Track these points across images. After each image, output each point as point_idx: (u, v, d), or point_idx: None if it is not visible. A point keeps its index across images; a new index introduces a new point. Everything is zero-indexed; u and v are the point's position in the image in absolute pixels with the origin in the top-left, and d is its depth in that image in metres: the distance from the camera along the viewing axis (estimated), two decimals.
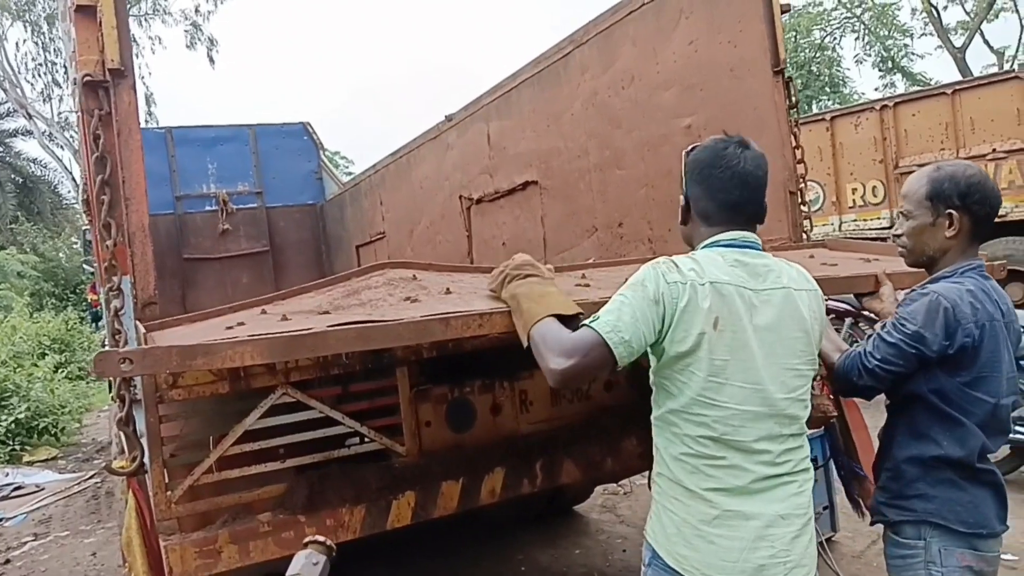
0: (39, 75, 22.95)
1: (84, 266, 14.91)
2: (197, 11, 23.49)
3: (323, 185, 9.63)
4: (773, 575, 1.68)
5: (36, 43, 22.65)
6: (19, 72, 22.56)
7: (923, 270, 2.09)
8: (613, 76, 4.37)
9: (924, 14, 23.73)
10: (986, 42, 23.72)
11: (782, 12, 3.35)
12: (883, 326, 1.99)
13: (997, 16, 23.43)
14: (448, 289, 2.26)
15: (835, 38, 25.80)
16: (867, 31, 25.02)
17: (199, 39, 23.25)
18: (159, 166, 8.81)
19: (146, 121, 22.68)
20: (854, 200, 9.78)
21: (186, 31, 23.57)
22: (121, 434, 2.20)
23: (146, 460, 2.20)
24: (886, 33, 24.92)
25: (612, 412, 3.11)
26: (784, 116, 3.37)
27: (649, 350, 1.73)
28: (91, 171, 2.22)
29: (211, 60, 23.49)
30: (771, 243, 3.41)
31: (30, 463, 9.28)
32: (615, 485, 5.58)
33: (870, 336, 2.01)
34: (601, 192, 4.61)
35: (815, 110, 22.07)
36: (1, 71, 23.26)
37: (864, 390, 1.99)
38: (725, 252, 1.76)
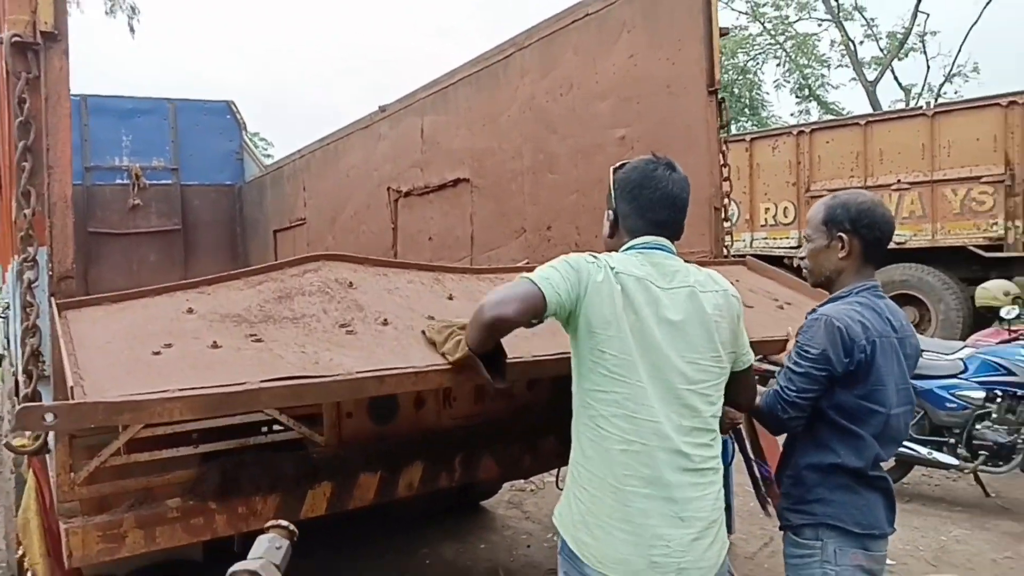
0: None
1: None
2: None
3: (243, 166, 9.36)
4: (666, 573, 1.74)
5: None
6: None
7: (825, 291, 2.25)
8: (552, 82, 4.43)
9: (842, 46, 24.95)
10: (895, 78, 25.13)
11: (720, 35, 3.47)
12: (788, 358, 2.13)
13: (907, 55, 24.87)
14: (385, 320, 2.23)
15: (758, 63, 26.79)
16: (788, 58, 26.09)
17: (120, 6, 22.11)
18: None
19: None
20: (766, 219, 10.21)
21: None
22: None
23: (50, 439, 2.09)
24: (805, 62, 26.04)
25: (533, 410, 3.14)
26: (715, 135, 3.48)
27: (567, 323, 1.83)
28: (11, 136, 2.10)
29: (131, 29, 22.33)
30: (694, 255, 3.53)
31: None
32: (523, 481, 5.64)
33: (778, 371, 2.15)
34: (532, 195, 4.66)
35: (734, 131, 22.87)
36: None
37: (791, 422, 2.09)
38: (637, 254, 1.89)
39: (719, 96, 3.48)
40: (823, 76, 26.34)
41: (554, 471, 3.56)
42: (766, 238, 10.24)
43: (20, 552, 2.46)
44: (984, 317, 7.85)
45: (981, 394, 4.87)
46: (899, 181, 8.92)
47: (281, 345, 1.99)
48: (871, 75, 24.95)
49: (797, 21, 25.98)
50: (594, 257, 1.83)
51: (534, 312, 1.76)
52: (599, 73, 4.08)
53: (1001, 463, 4.77)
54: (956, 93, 24.18)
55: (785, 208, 10.02)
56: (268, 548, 1.32)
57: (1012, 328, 5.60)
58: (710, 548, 1.81)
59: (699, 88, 3.49)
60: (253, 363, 1.88)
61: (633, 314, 1.77)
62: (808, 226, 2.23)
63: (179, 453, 2.36)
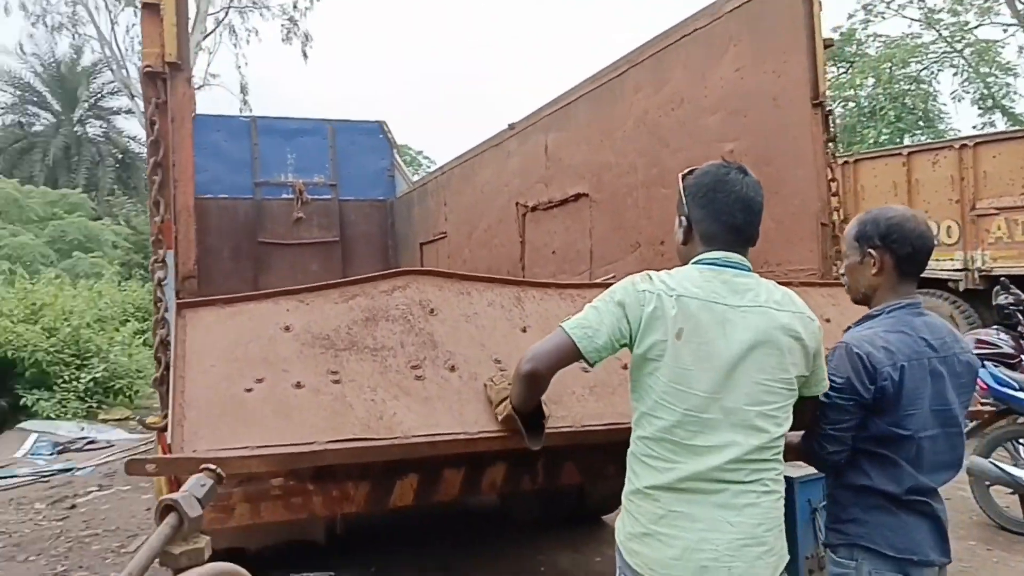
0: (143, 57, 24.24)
1: None
2: (295, 7, 24.46)
3: (394, 183, 9.98)
4: (715, 574, 1.73)
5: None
6: (126, 54, 23.91)
7: (865, 307, 2.19)
8: (664, 97, 4.47)
9: None
10: None
11: (825, 47, 3.40)
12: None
13: None
14: (453, 366, 2.41)
15: (932, 72, 24.90)
16: (967, 67, 24.07)
17: (295, 33, 24.17)
18: (242, 152, 9.32)
19: (240, 109, 23.71)
20: None
21: (283, 25, 24.53)
22: (157, 393, 2.43)
23: None
24: (987, 70, 23.91)
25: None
26: (821, 148, 3.41)
27: (628, 346, 1.87)
28: (147, 153, 2.47)
29: (304, 55, 24.43)
30: (802, 273, 3.46)
31: (104, 420, 9.92)
32: None
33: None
34: (646, 209, 4.71)
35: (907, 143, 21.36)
36: (110, 51, 24.73)
37: (833, 456, 2.04)
38: (704, 269, 1.86)
39: (825, 108, 3.40)
40: (1008, 85, 24.04)
41: None
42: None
43: None
44: None
45: None
46: None
47: (356, 388, 2.24)
48: None
49: (977, 27, 23.95)
50: (648, 279, 1.83)
51: (566, 363, 1.85)
52: (708, 87, 4.09)
53: None
54: None
55: (948, 227, 9.28)
56: (193, 485, 1.54)
57: None
58: (762, 558, 1.77)
59: (804, 101, 3.43)
60: (326, 413, 2.15)
61: (692, 341, 1.76)
62: (844, 242, 2.20)
63: None
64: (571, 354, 1.82)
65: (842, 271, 2.23)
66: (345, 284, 2.50)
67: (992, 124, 24.36)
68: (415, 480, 2.77)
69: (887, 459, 1.98)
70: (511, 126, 6.56)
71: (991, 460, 5.02)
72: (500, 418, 2.20)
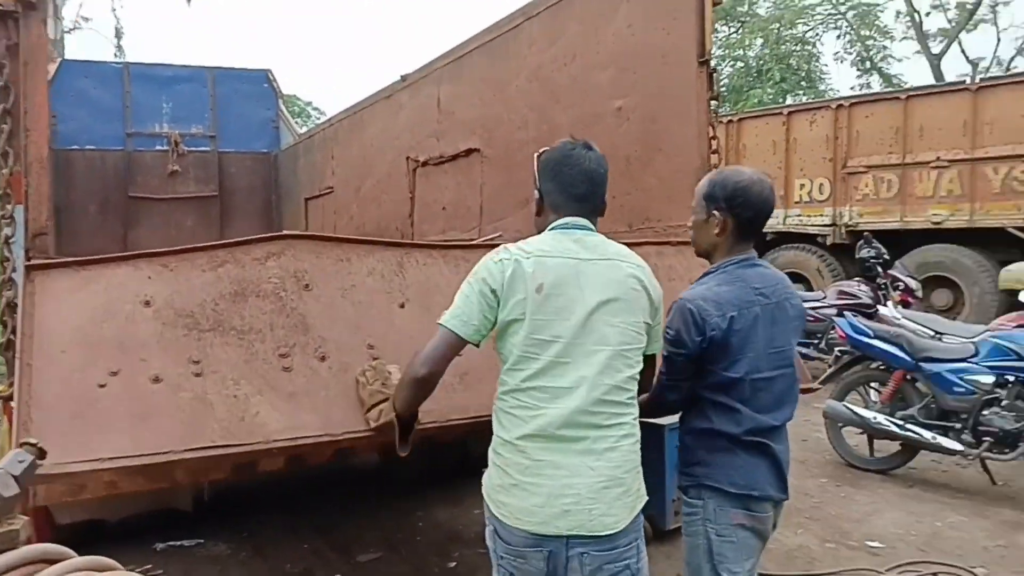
0: None
1: None
2: None
3: (279, 135, 9.55)
4: (577, 520, 1.85)
5: None
6: None
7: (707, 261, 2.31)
8: (557, 51, 4.42)
9: (907, 17, 23.96)
10: (963, 52, 24.06)
11: (714, 5, 3.42)
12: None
13: (976, 27, 23.76)
14: (323, 356, 2.33)
15: (817, 34, 25.94)
16: (850, 28, 25.18)
17: None
18: (113, 100, 8.69)
19: (114, 55, 22.03)
20: (800, 196, 9.98)
21: None
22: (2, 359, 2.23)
23: None
24: (867, 33, 25.11)
25: None
26: (705, 107, 3.46)
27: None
28: None
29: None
30: (680, 228, 3.52)
31: None
32: None
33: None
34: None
35: (790, 102, 22.27)
36: None
37: (674, 404, 2.21)
38: (556, 233, 2.02)
39: (710, 67, 3.45)
40: (885, 48, 25.36)
41: None
42: (800, 215, 10.02)
43: None
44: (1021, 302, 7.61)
45: (991, 379, 4.73)
46: (938, 158, 8.61)
47: (218, 381, 2.13)
48: (936, 48, 23.97)
49: None
50: (505, 250, 1.96)
51: (455, 353, 1.95)
52: (600, 43, 4.07)
53: (1007, 450, 4.64)
54: None
55: (820, 185, 9.75)
56: (10, 461, 1.44)
57: None
58: (620, 499, 1.90)
59: (691, 59, 3.46)
60: (184, 416, 2.04)
61: (551, 293, 1.90)
62: (694, 199, 2.27)
63: None
64: (456, 343, 1.92)
65: (689, 225, 2.31)
66: (214, 248, 2.36)
67: (868, 86, 25.68)
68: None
69: (726, 404, 2.11)
70: (403, 78, 6.36)
71: (844, 403, 5.38)
72: (373, 423, 2.18)
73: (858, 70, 26.00)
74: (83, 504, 3.52)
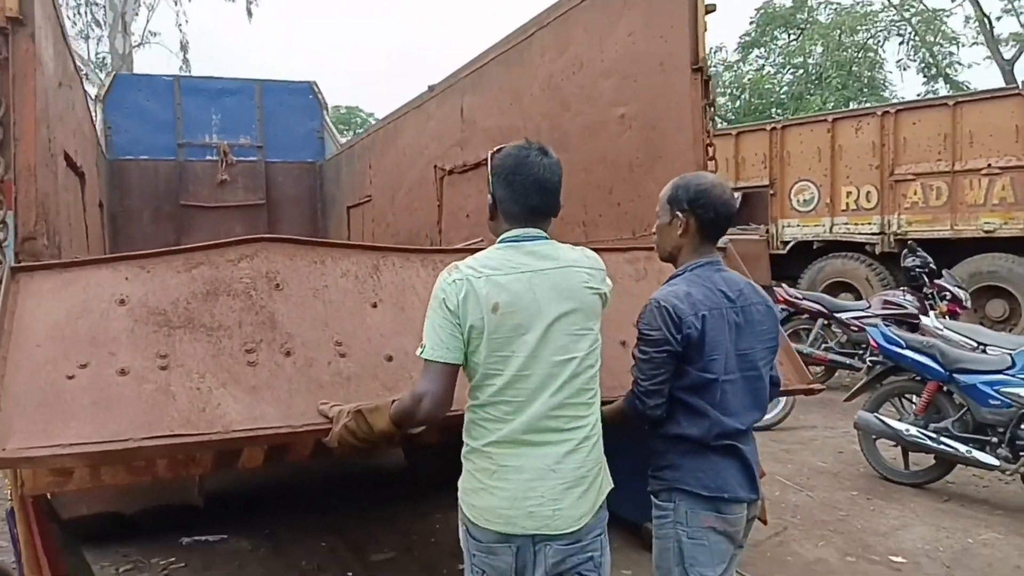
0: (80, 14, 23.26)
1: None
2: None
3: (324, 145, 9.81)
4: (542, 520, 1.91)
5: None
6: (61, 7, 22.91)
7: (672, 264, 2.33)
8: (566, 61, 4.46)
9: (976, 23, 23.07)
10: None
11: (707, 12, 3.41)
12: (635, 350, 2.19)
13: None
14: (288, 351, 2.38)
15: (879, 41, 25.21)
16: (914, 35, 24.40)
17: None
18: (165, 112, 9.07)
19: (180, 69, 22.96)
20: (847, 203, 9.73)
21: None
22: None
23: None
24: (932, 39, 24.29)
25: None
26: (700, 113, 3.44)
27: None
28: None
29: (249, 12, 23.61)
30: None
31: None
32: None
33: (633, 365, 2.20)
34: None
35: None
36: None
37: (656, 410, 2.16)
38: (505, 248, 2.00)
39: (705, 74, 3.43)
40: (951, 54, 24.46)
41: None
42: (847, 223, 9.77)
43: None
44: None
45: None
46: (990, 165, 8.30)
47: (183, 374, 2.21)
48: (1009, 53, 22.98)
49: None
50: (455, 268, 1.96)
51: (454, 380, 1.96)
52: (604, 51, 4.08)
53: None
54: None
55: (868, 192, 9.50)
56: None
57: None
58: (582, 497, 1.96)
59: (686, 66, 3.45)
60: (146, 406, 2.12)
61: (506, 311, 1.90)
62: (658, 203, 2.30)
63: None
64: (450, 371, 1.94)
65: (653, 230, 2.33)
66: (190, 250, 2.46)
67: (935, 92, 24.81)
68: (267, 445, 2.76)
69: (696, 407, 2.13)
70: (430, 88, 6.49)
71: (876, 415, 5.22)
72: (334, 440, 2.20)
73: (924, 76, 25.16)
74: (96, 496, 3.70)
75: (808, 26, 25.28)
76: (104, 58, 21.91)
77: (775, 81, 26.00)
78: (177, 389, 2.18)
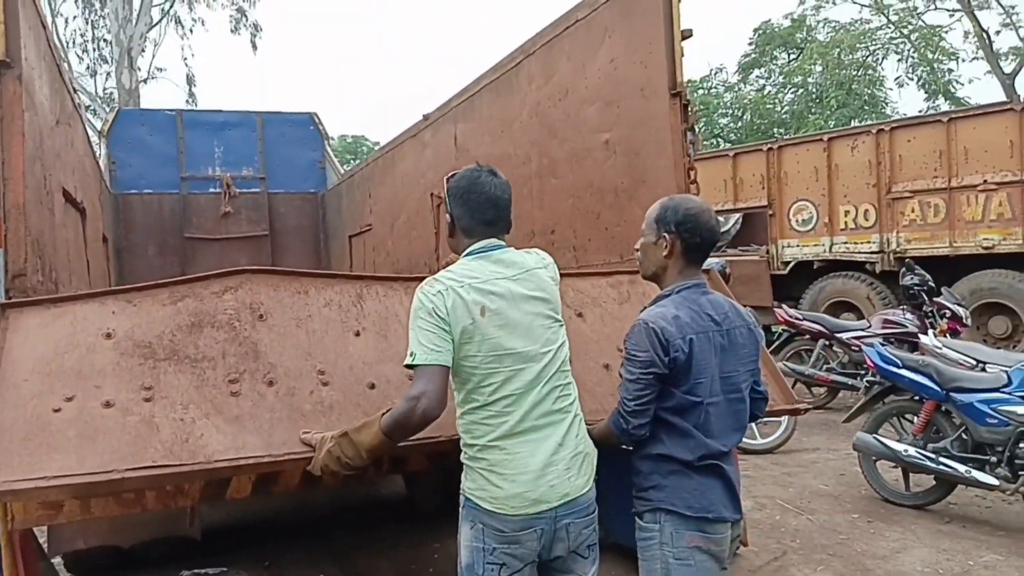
0: (87, 51, 23.64)
1: None
2: None
3: (326, 175, 9.92)
4: (563, 489, 2.09)
5: (86, 19, 23.32)
6: (68, 47, 23.28)
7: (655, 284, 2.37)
8: (552, 88, 4.53)
9: (975, 38, 23.16)
10: None
11: (684, 37, 3.46)
12: (621, 366, 2.24)
13: None
14: (271, 381, 2.43)
15: (878, 58, 25.32)
16: (914, 52, 24.51)
17: (244, 24, 23.76)
18: (168, 147, 9.20)
19: (186, 102, 23.28)
20: (846, 223, 9.74)
21: (231, 16, 24.08)
22: None
23: None
24: (932, 55, 24.38)
25: None
26: (680, 137, 3.48)
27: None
28: None
29: (254, 46, 23.99)
30: None
31: None
32: None
33: (620, 384, 2.24)
34: (539, 199, 4.77)
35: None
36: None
37: (640, 431, 2.20)
38: (474, 259, 2.17)
39: (683, 99, 3.48)
40: (951, 71, 24.55)
41: None
42: (846, 242, 9.77)
43: None
44: None
45: None
46: (985, 181, 8.31)
47: (167, 405, 2.26)
48: (1009, 67, 23.04)
49: (925, 12, 24.40)
50: (435, 281, 2.09)
51: (447, 382, 2.07)
52: (587, 78, 4.15)
53: None
54: None
55: (866, 211, 9.52)
56: None
57: None
58: (585, 461, 2.16)
59: (665, 91, 3.50)
60: (130, 438, 2.16)
61: (493, 314, 2.07)
62: (644, 222, 2.34)
63: None
64: (443, 372, 2.04)
65: (637, 247, 2.36)
66: (176, 283, 2.52)
67: (936, 108, 24.86)
68: (251, 475, 2.78)
69: (680, 428, 2.17)
70: (425, 117, 6.58)
71: (875, 436, 5.19)
72: (317, 467, 2.24)
73: (925, 92, 25.23)
74: (93, 530, 3.73)
75: (807, 45, 25.44)
76: (111, 93, 22.25)
77: (776, 101, 26.13)
78: (161, 420, 2.23)
